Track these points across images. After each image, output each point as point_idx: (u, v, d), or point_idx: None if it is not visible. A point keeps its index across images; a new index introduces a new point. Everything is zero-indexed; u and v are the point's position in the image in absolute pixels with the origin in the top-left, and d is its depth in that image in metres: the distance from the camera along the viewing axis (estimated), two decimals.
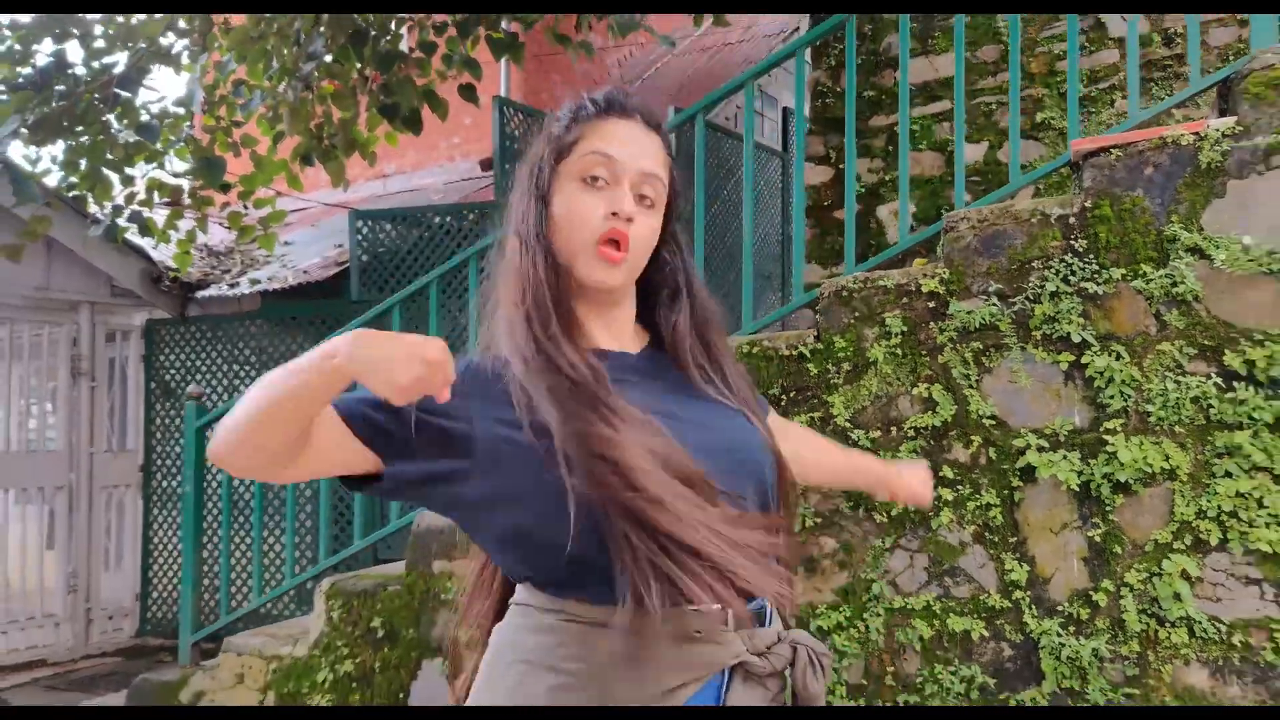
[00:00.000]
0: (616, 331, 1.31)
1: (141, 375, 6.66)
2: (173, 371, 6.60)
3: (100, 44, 5.06)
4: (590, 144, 1.26)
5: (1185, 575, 2.42)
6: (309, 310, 6.19)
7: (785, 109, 8.62)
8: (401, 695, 3.33)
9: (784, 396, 2.91)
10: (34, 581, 6.21)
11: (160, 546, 6.52)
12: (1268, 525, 2.36)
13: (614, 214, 1.23)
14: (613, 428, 1.14)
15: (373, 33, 4.77)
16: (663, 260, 1.32)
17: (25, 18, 4.86)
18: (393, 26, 5.20)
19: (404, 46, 5.24)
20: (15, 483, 6.09)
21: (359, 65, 4.79)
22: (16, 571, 6.14)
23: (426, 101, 4.98)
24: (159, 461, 6.57)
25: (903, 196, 3.19)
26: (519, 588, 1.27)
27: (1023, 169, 3.15)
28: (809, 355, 2.91)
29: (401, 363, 1.02)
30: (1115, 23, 4.48)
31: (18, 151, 5.43)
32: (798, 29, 8.28)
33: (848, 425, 2.83)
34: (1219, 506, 2.40)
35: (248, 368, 6.41)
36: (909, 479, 1.55)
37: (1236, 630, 2.38)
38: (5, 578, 6.11)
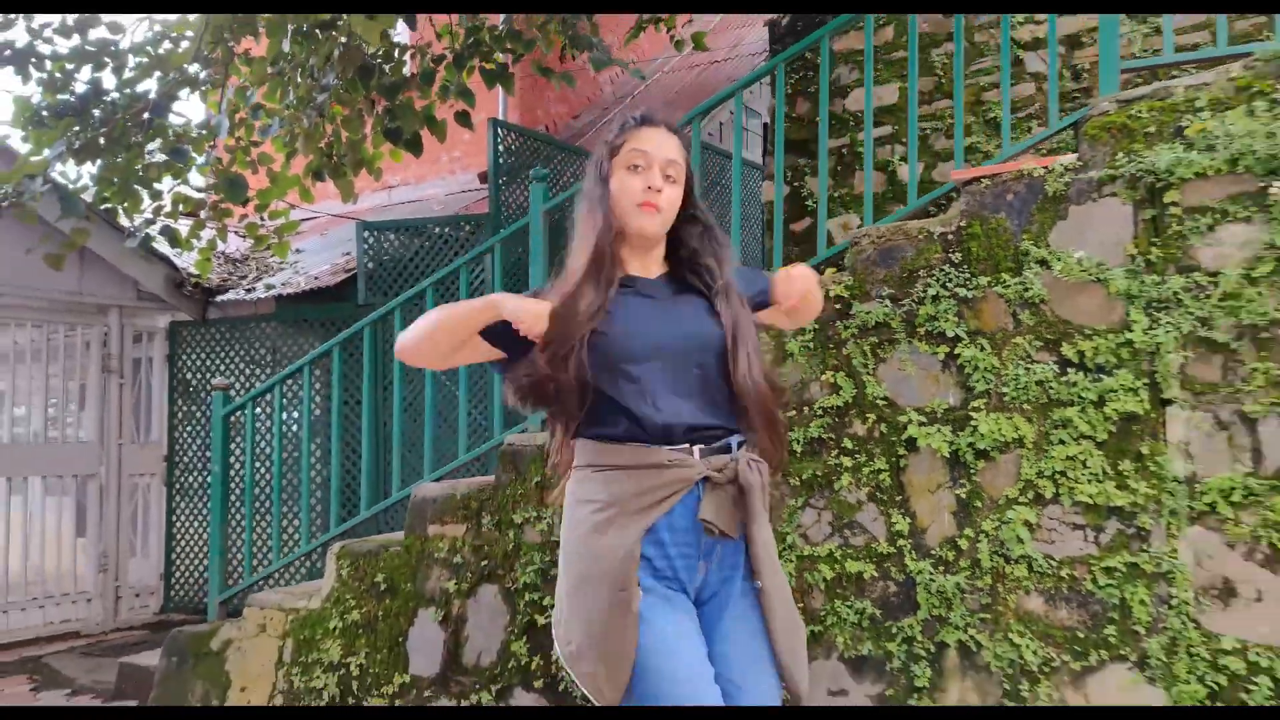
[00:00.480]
0: (648, 264, 2.03)
1: (165, 373, 7.26)
2: (194, 369, 7.20)
3: (131, 73, 5.62)
4: (631, 144, 1.97)
5: (1026, 523, 3.00)
6: (319, 313, 6.78)
7: (765, 124, 9.19)
8: (400, 639, 3.92)
9: None
10: (67, 565, 6.81)
11: (182, 530, 7.11)
12: (1089, 482, 2.94)
13: (649, 188, 1.94)
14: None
15: (378, 63, 5.37)
16: (687, 216, 2.04)
17: (64, 48, 5.44)
18: (396, 55, 5.81)
19: (407, 71, 5.83)
20: (49, 471, 6.69)
21: (366, 94, 5.38)
22: (51, 556, 6.73)
23: (426, 125, 5.58)
24: (181, 452, 7.17)
25: (821, 215, 3.78)
26: (576, 453, 1.97)
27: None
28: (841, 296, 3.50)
29: (531, 315, 1.85)
30: (1032, 59, 5.06)
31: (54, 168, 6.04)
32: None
33: None
34: (1053, 468, 2.99)
35: (263, 365, 6.99)
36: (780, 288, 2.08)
37: (1065, 566, 2.96)
38: (42, 561, 6.71)
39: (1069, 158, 3.16)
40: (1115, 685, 2.87)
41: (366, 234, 6.57)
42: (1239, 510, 2.80)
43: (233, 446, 6.03)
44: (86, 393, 7.01)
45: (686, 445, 1.88)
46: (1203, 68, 3.39)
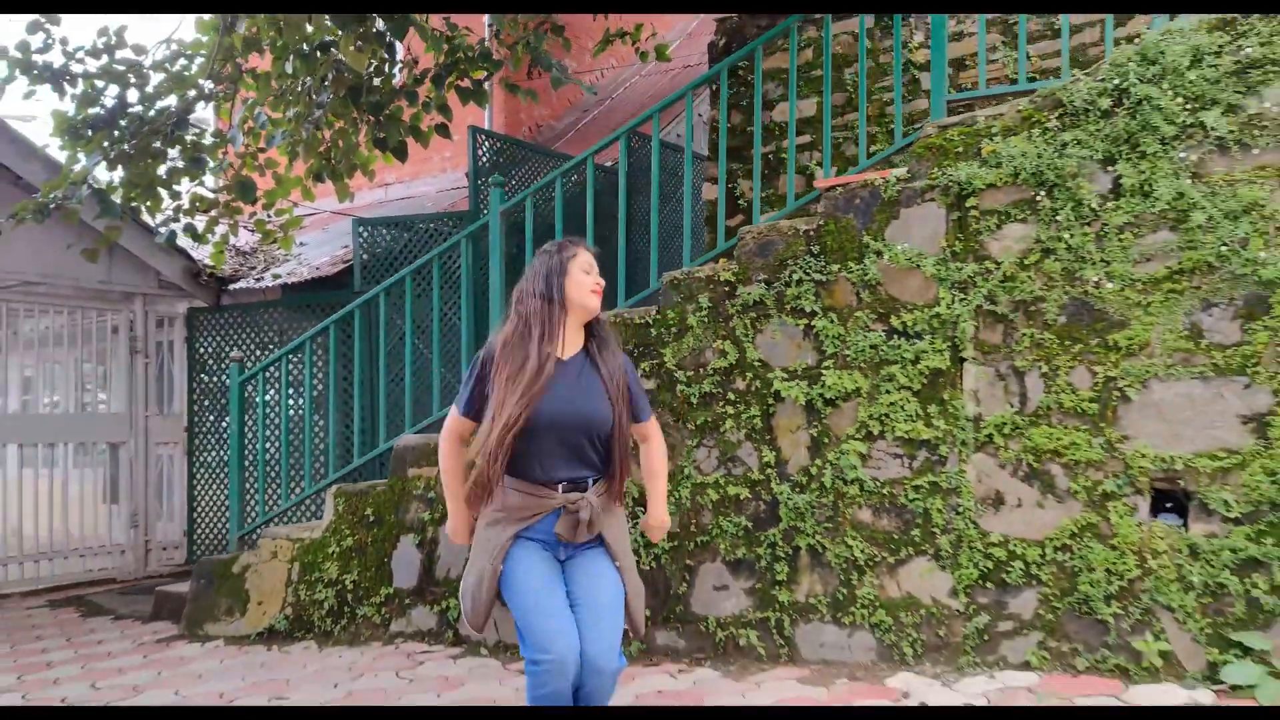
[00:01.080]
0: (572, 342, 2.77)
1: (184, 353, 8.16)
2: (210, 350, 8.10)
3: (153, 89, 6.49)
4: (582, 257, 2.81)
5: (859, 454, 3.91)
6: (320, 299, 7.66)
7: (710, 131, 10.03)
8: (386, 560, 4.84)
9: (634, 351, 4.41)
10: (102, 524, 7.74)
11: (202, 493, 8.02)
12: (905, 421, 3.85)
13: (596, 284, 2.80)
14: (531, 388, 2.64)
15: (370, 76, 6.25)
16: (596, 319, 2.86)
17: (93, 67, 6.32)
18: (386, 69, 6.69)
19: (397, 82, 6.70)
20: (84, 438, 7.62)
21: (355, 111, 6.26)
22: (87, 517, 7.65)
23: (411, 134, 6.47)
24: (199, 424, 8.08)
25: (720, 210, 4.68)
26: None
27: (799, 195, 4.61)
28: (650, 323, 4.40)
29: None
30: (926, 78, 5.93)
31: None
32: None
33: (673, 368, 4.32)
34: (880, 411, 3.90)
35: (271, 346, 7.89)
36: (651, 522, 2.98)
37: (886, 485, 3.87)
38: (80, 520, 7.63)
39: (901, 170, 4.05)
40: (918, 572, 3.79)
41: (361, 230, 7.45)
42: (1008, 440, 3.71)
43: (246, 407, 6.95)
44: (116, 370, 7.92)
45: (556, 485, 2.69)
46: (1004, 100, 4.26)
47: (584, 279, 2.80)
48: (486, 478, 2.64)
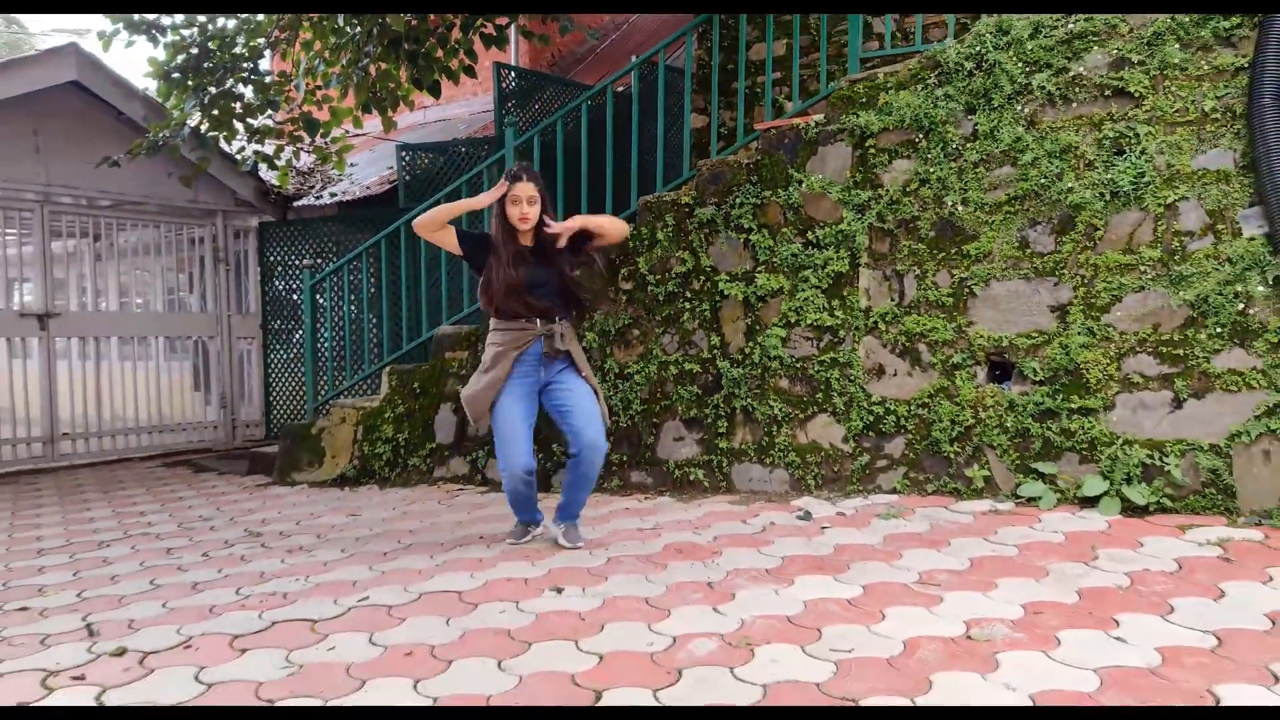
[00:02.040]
0: (527, 239, 4.18)
1: (256, 261, 9.56)
2: (278, 258, 9.49)
3: (229, 37, 7.70)
4: (511, 194, 4.12)
5: (780, 338, 5.16)
6: (370, 215, 8.97)
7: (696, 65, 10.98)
8: (429, 422, 6.23)
9: (616, 259, 5.65)
10: (190, 409, 9.26)
11: (275, 381, 9.51)
12: (815, 312, 5.08)
13: (520, 215, 4.12)
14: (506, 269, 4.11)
15: (404, 35, 7.41)
16: (542, 219, 4.17)
17: (179, 18, 7.54)
18: (421, 23, 7.83)
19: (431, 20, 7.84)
20: (178, 333, 9.09)
21: (396, 57, 7.45)
22: (174, 402, 9.17)
23: (444, 74, 7.66)
24: (271, 322, 9.52)
25: (685, 141, 5.87)
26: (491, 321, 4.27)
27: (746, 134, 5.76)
28: (629, 237, 5.64)
29: (482, 199, 4.32)
30: (879, 23, 6.97)
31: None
32: None
33: (645, 272, 5.57)
34: (797, 305, 5.13)
35: (329, 255, 9.25)
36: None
37: (799, 361, 5.13)
38: (171, 404, 9.15)
39: (819, 116, 5.21)
40: (820, 425, 5.07)
41: (404, 154, 8.69)
42: (889, 325, 4.94)
43: (317, 306, 8.34)
44: (203, 276, 9.34)
45: (534, 321, 4.14)
46: (900, 60, 5.34)
47: (512, 210, 4.09)
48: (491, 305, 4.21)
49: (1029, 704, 2.44)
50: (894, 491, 4.87)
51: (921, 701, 2.48)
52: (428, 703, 2.61)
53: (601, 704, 2.56)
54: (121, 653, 3.12)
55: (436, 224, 4.20)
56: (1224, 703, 2.41)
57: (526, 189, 4.09)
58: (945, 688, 2.56)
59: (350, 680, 2.79)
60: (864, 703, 2.49)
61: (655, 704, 2.54)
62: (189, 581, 3.98)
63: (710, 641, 2.97)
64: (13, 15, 27.67)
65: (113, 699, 2.73)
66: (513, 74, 8.87)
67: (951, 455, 4.75)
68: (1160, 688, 2.51)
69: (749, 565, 3.80)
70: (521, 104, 8.87)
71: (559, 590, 3.57)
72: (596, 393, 4.20)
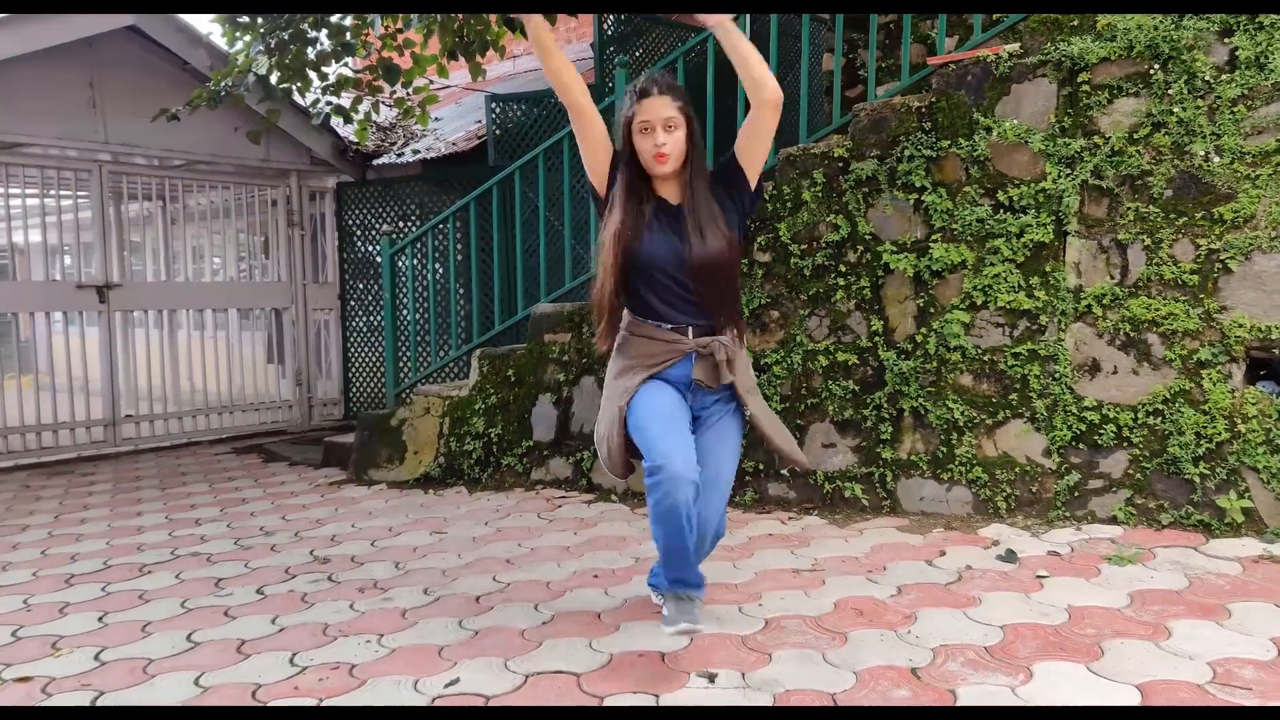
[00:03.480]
0: (668, 191, 2.81)
1: (334, 225, 8.79)
2: (357, 222, 8.70)
3: None
4: (639, 116, 2.71)
5: (963, 323, 4.14)
6: (457, 174, 8.10)
7: None
8: (526, 416, 5.35)
9: (751, 224, 4.67)
10: (265, 384, 8.58)
11: (355, 355, 8.76)
12: (1008, 292, 4.04)
13: (655, 147, 2.70)
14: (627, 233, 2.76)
15: None
16: (690, 150, 2.77)
17: None
18: None
19: None
20: (250, 304, 8.38)
21: None
22: (248, 377, 8.49)
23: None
24: (350, 291, 8.76)
25: (836, 89, 4.83)
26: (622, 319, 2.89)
27: (914, 71, 4.70)
28: (767, 198, 4.65)
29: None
30: None
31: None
32: None
33: (788, 241, 4.59)
34: (984, 283, 4.10)
35: (411, 218, 8.42)
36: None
37: (987, 353, 4.11)
38: (243, 380, 8.48)
39: (1014, 46, 4.13)
40: (1014, 433, 4.05)
41: (494, 105, 7.79)
42: (1107, 310, 3.88)
43: (394, 285, 7.54)
44: (277, 241, 8.61)
45: (684, 329, 2.78)
46: None
47: (643, 143, 2.72)
48: (604, 302, 2.81)
49: None
50: (1114, 521, 3.84)
51: None
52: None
53: None
54: None
55: (565, 71, 2.77)
56: None
57: (662, 106, 2.68)
58: None
59: None
60: None
61: None
62: (234, 638, 3.16)
63: None
64: None
65: None
66: (612, 20, 7.86)
67: (1196, 478, 3.70)
68: None
69: (959, 640, 2.83)
70: (623, 49, 7.88)
71: (710, 678, 2.65)
72: (765, 425, 2.91)
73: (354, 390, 8.77)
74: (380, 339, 8.47)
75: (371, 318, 8.64)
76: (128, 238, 8.38)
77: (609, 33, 7.94)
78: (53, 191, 7.33)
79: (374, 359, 8.60)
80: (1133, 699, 2.39)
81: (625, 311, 2.89)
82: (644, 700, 2.51)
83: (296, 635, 3.16)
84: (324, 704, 2.59)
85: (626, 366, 2.83)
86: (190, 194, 8.23)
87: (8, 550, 4.45)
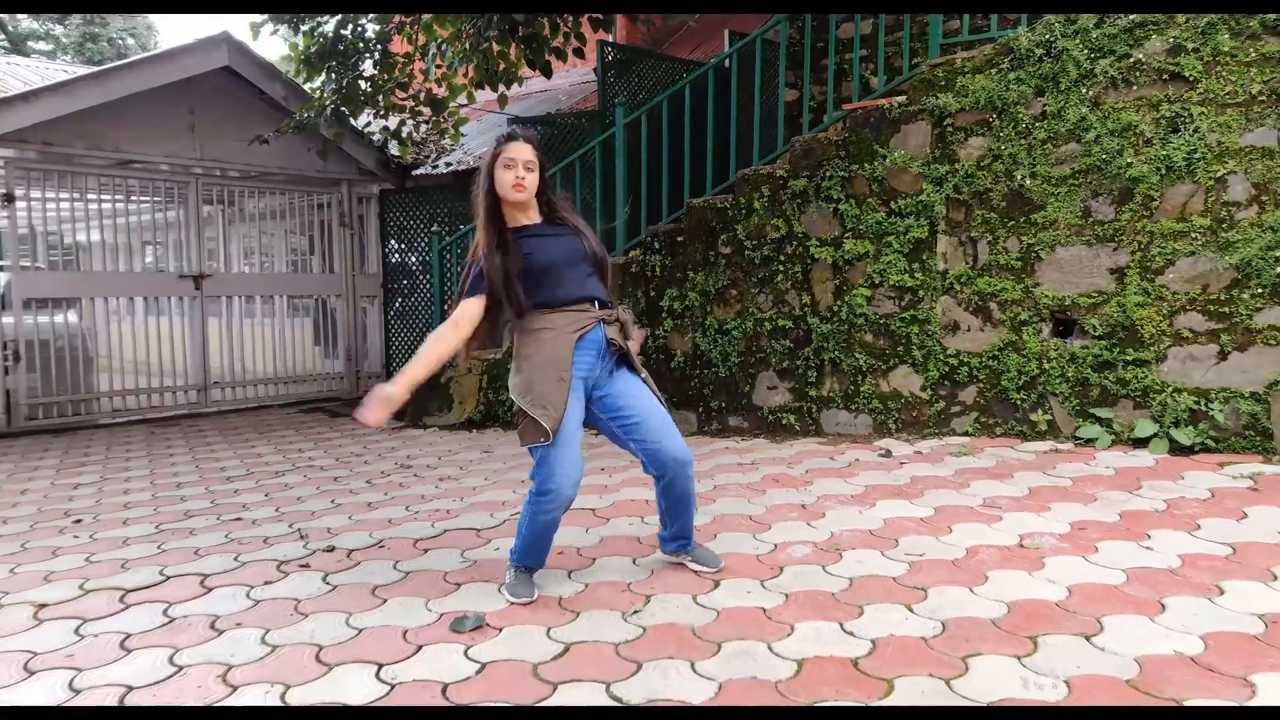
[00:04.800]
0: (529, 217, 3.21)
1: (377, 226, 10.41)
2: (396, 223, 10.33)
3: (360, 24, 8.46)
4: (505, 154, 3.14)
5: (866, 298, 5.75)
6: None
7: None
8: None
9: (715, 226, 6.29)
10: (314, 362, 10.20)
11: (394, 334, 10.38)
12: (897, 274, 5.66)
13: (516, 179, 3.11)
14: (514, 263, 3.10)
15: (521, 21, 8.09)
16: (542, 186, 3.22)
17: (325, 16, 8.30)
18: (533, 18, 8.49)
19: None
20: (307, 292, 10.00)
21: (513, 42, 8.14)
22: (297, 356, 10.11)
23: (554, 54, 8.33)
24: (390, 282, 10.39)
25: (780, 116, 6.46)
26: (527, 319, 3.16)
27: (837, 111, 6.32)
28: (728, 207, 6.27)
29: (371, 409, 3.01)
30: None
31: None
32: None
33: (743, 238, 6.20)
34: (881, 268, 5.71)
35: (442, 219, 10.05)
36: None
37: (883, 318, 5.72)
38: (293, 358, 10.09)
39: (901, 98, 5.75)
40: (901, 375, 5.67)
41: (514, 126, 9.41)
42: (964, 286, 5.50)
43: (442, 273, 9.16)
44: (325, 239, 10.22)
45: (590, 302, 3.17)
46: (976, 45, 5.82)
47: (505, 175, 3.10)
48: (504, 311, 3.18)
49: (1066, 593, 3.05)
50: (966, 434, 5.46)
51: (979, 590, 3.11)
52: (579, 587, 3.34)
53: (717, 591, 3.26)
54: (331, 550, 3.93)
55: (428, 369, 3.24)
56: (1225, 594, 3.00)
57: (523, 151, 3.14)
58: (999, 581, 3.20)
59: None
60: (930, 591, 3.13)
61: (763, 591, 3.22)
62: (363, 501, 4.80)
63: (805, 547, 3.65)
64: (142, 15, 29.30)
65: (335, 580, 3.52)
66: (612, 50, 9.48)
67: (1018, 402, 5.32)
68: (1175, 582, 3.11)
69: (837, 492, 4.46)
70: (621, 76, 9.49)
71: None
72: (655, 391, 3.32)
73: (394, 365, 10.39)
74: (414, 321, 10.11)
75: (407, 302, 10.27)
76: (218, 234, 9.99)
77: (609, 61, 9.56)
78: (158, 198, 8.95)
79: (410, 337, 10.23)
80: (929, 514, 4.01)
81: (524, 312, 3.17)
82: (634, 520, 4.14)
83: (405, 500, 4.79)
84: (434, 526, 4.21)
85: (546, 337, 3.14)
86: (260, 199, 9.85)
87: (168, 469, 6.08)
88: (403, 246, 10.30)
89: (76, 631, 3.07)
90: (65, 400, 8.11)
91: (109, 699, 2.55)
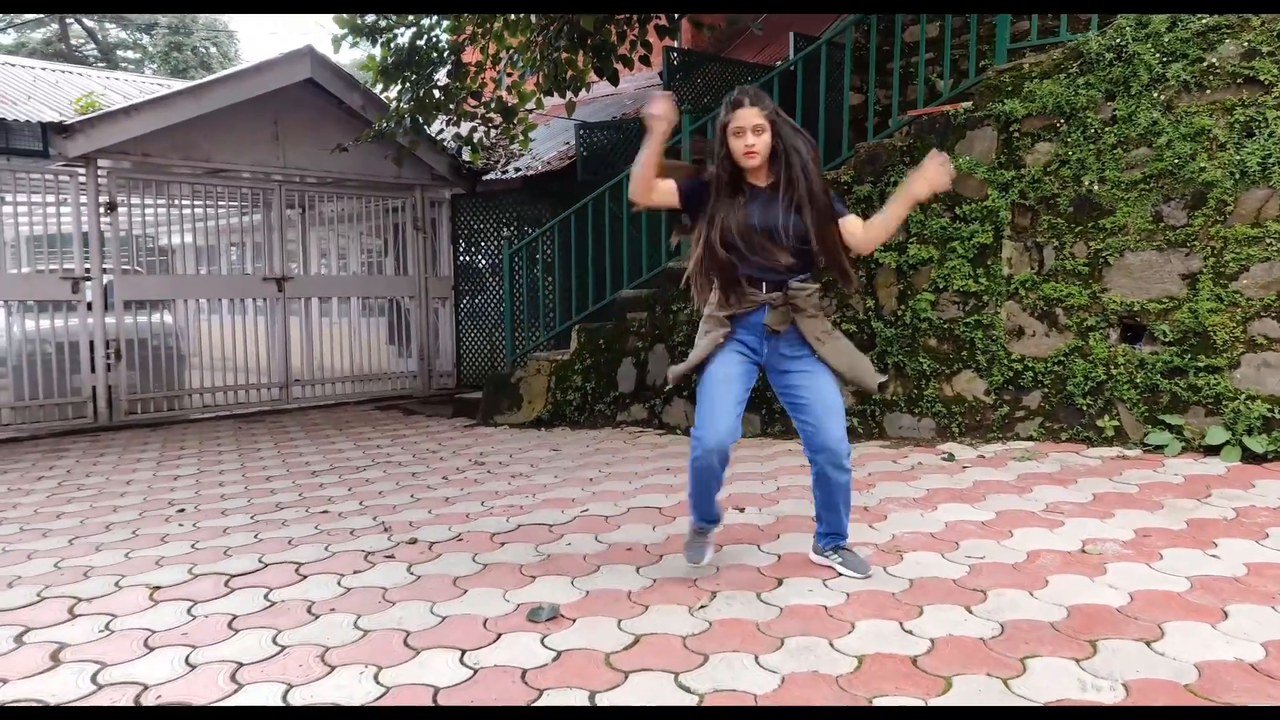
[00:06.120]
0: (759, 179, 3.26)
1: (448, 229, 10.67)
2: (467, 227, 10.58)
3: (434, 35, 8.71)
4: (732, 123, 3.21)
5: (930, 302, 5.79)
6: (551, 188, 9.92)
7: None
8: (613, 374, 7.12)
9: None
10: (387, 361, 10.49)
11: (465, 335, 10.64)
12: (961, 279, 5.69)
13: (746, 147, 3.18)
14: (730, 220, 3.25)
15: (591, 30, 8.26)
16: (777, 148, 3.23)
17: (392, 17, 8.56)
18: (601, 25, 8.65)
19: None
20: (383, 293, 10.30)
21: (583, 50, 8.31)
22: (369, 356, 10.40)
23: (620, 62, 8.48)
24: (461, 283, 10.64)
25: (844, 121, 6.52)
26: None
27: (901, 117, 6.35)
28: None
29: (656, 112, 3.11)
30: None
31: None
32: None
33: None
34: (945, 273, 5.75)
35: (511, 223, 10.27)
36: (924, 174, 3.33)
37: (947, 323, 5.76)
38: (365, 358, 10.39)
39: (967, 104, 5.78)
40: (965, 379, 5.70)
41: (582, 131, 9.59)
42: (1029, 291, 5.51)
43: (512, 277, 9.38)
44: (400, 243, 10.52)
45: (759, 284, 3.24)
46: (1045, 49, 5.82)
47: (735, 144, 3.18)
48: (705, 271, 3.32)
49: (1128, 599, 3.09)
50: (1031, 439, 5.47)
51: (1039, 594, 3.17)
52: (647, 583, 3.47)
53: (780, 589, 3.36)
54: (413, 542, 4.11)
55: (643, 188, 3.24)
56: None
57: (750, 115, 3.17)
58: (1059, 585, 3.25)
59: (587, 565, 3.68)
60: (990, 593, 3.20)
61: (825, 590, 3.32)
62: (441, 496, 4.99)
63: (867, 549, 3.73)
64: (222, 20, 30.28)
65: (418, 571, 3.69)
66: (677, 54, 9.61)
67: (1084, 407, 5.32)
68: (1239, 590, 3.13)
69: (899, 495, 4.52)
70: (686, 79, 9.62)
71: (741, 510, 4.39)
72: (842, 360, 3.34)
73: (464, 365, 10.65)
74: (483, 322, 10.35)
75: (476, 302, 10.51)
76: (298, 238, 10.34)
77: (675, 65, 9.68)
78: (244, 204, 9.31)
79: (479, 340, 10.47)
80: (990, 518, 4.06)
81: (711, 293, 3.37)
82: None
83: (480, 495, 4.97)
84: (509, 521, 4.38)
85: (713, 318, 3.36)
86: (336, 204, 10.17)
87: (257, 463, 6.36)
88: (473, 250, 10.55)
89: (189, 612, 3.29)
90: (160, 396, 8.51)
91: (222, 675, 2.74)
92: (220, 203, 9.12)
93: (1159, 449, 4.99)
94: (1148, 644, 2.75)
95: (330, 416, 8.74)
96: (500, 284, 8.02)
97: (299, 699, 2.57)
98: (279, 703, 2.55)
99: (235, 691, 2.62)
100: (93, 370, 8.04)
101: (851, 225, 3.38)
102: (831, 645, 2.83)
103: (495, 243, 10.23)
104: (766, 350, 3.33)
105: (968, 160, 5.71)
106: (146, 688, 2.67)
